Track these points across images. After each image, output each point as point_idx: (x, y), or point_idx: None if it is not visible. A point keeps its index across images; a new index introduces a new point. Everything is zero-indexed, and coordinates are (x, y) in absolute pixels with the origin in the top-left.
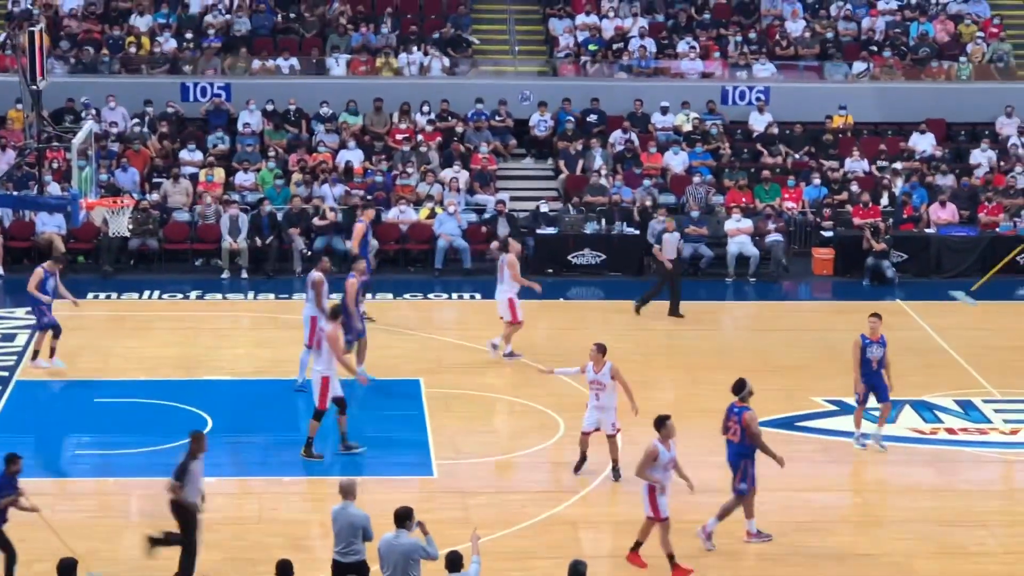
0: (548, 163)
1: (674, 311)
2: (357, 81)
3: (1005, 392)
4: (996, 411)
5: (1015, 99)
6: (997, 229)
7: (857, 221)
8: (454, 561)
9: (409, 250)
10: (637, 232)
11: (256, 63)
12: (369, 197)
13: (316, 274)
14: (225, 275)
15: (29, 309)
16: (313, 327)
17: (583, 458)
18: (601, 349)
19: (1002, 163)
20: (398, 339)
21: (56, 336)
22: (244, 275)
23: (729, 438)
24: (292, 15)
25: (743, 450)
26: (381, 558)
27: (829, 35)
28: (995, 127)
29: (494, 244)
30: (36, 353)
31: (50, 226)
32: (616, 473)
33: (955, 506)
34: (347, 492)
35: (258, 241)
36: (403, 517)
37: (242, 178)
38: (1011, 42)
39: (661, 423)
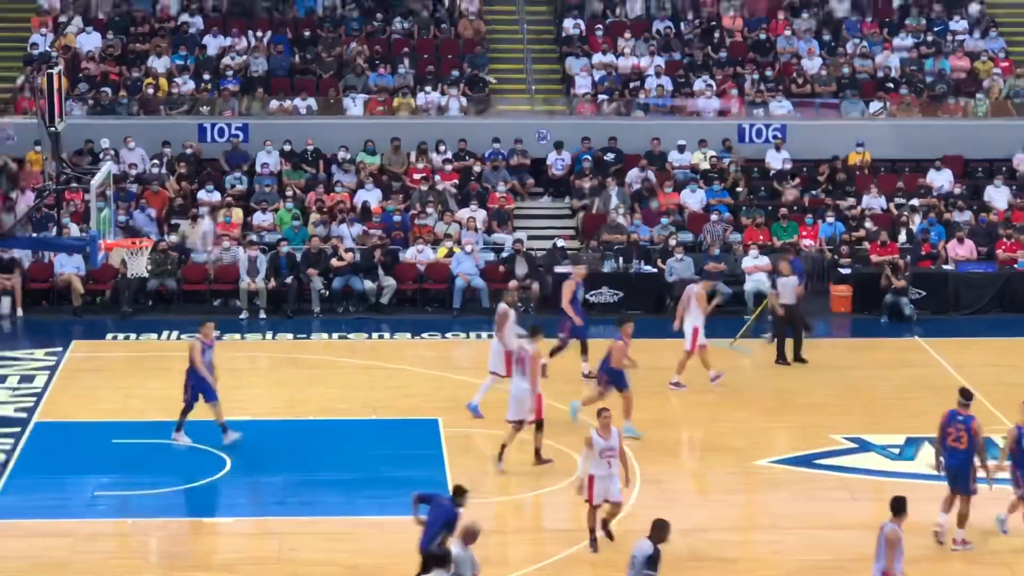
0: (565, 202)
1: (797, 355)
2: (374, 121)
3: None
4: None
5: None
6: (1015, 265)
7: (875, 258)
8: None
9: (427, 290)
10: (655, 270)
11: (273, 103)
12: (384, 235)
13: (501, 306)
14: (243, 315)
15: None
16: (507, 358)
17: (595, 536)
18: (607, 414)
19: (1020, 199)
20: (416, 379)
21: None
22: (262, 315)
23: (952, 444)
24: (309, 55)
25: (970, 456)
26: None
27: (845, 72)
28: (1012, 163)
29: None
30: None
31: (69, 267)
32: (609, 536)
33: (978, 544)
34: (467, 536)
35: (274, 282)
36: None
37: (260, 218)
38: None
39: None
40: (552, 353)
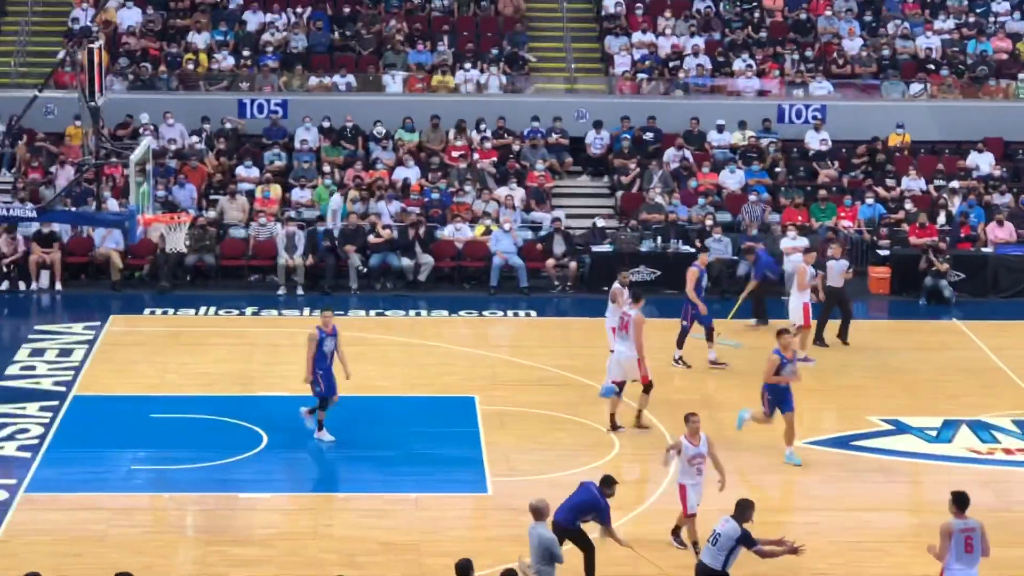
0: (604, 180)
1: (843, 337)
2: (414, 98)
3: None
4: None
5: None
6: None
7: (914, 240)
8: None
9: (465, 267)
10: (692, 250)
11: (313, 80)
12: (422, 213)
13: (616, 285)
14: (281, 292)
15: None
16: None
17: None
18: (696, 420)
19: None
20: (453, 356)
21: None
22: (300, 292)
23: None
24: (349, 32)
25: None
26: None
27: (886, 53)
28: None
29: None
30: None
31: (108, 242)
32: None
33: (1012, 527)
34: (537, 512)
35: (312, 258)
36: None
37: (298, 195)
38: None
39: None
40: (679, 342)
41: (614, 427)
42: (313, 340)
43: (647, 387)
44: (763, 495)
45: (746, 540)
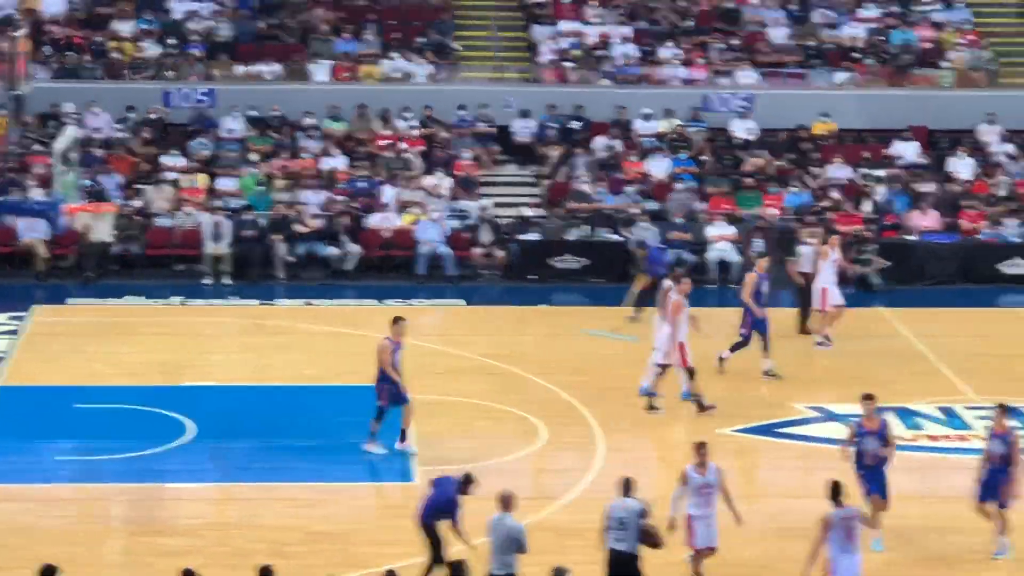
0: (531, 169)
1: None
2: (340, 87)
3: (987, 399)
4: (978, 418)
5: (996, 106)
6: (978, 236)
7: (840, 228)
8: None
9: (392, 256)
10: (620, 238)
11: (239, 69)
12: (355, 205)
13: (666, 283)
14: (208, 281)
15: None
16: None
17: None
18: (705, 450)
19: (983, 170)
20: None
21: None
22: (227, 281)
23: None
24: (275, 21)
25: None
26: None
27: (812, 43)
28: (976, 134)
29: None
30: (404, 433)
31: (32, 232)
32: None
33: (938, 513)
34: (506, 503)
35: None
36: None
37: (225, 184)
38: (992, 49)
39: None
40: (733, 348)
41: (701, 408)
42: (386, 351)
43: (690, 372)
44: None
45: (644, 512)
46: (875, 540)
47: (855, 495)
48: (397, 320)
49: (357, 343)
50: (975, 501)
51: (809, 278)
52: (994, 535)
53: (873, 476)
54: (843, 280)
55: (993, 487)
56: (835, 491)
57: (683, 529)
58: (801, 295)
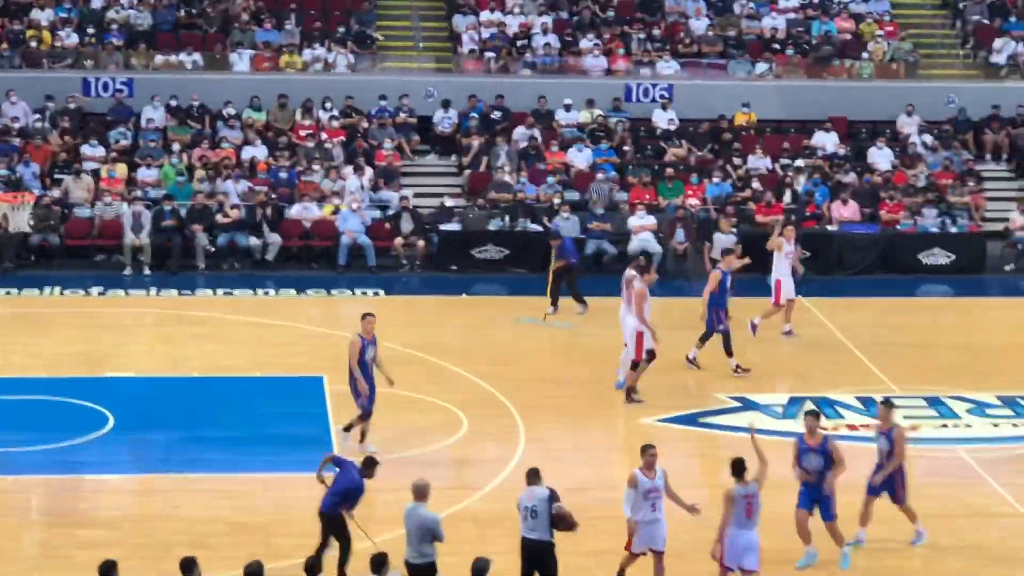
0: (452, 159)
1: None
2: (261, 77)
3: (906, 389)
4: (897, 407)
5: (916, 97)
6: (898, 226)
7: (760, 218)
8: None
9: (313, 247)
10: (541, 229)
11: (159, 58)
12: (274, 195)
13: (629, 272)
14: (127, 271)
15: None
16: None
17: None
18: (653, 451)
19: (902, 161)
20: (302, 336)
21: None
22: (147, 271)
23: None
24: (194, 11)
25: None
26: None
27: (732, 33)
28: (896, 125)
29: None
30: (351, 428)
31: None
32: None
33: (857, 502)
34: (419, 493)
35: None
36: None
37: (145, 174)
38: (912, 41)
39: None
40: (726, 347)
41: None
42: (355, 347)
43: (634, 365)
44: (610, 473)
45: (554, 498)
46: (843, 555)
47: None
48: (365, 316)
49: (277, 333)
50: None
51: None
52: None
53: (813, 494)
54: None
55: (883, 483)
56: (737, 468)
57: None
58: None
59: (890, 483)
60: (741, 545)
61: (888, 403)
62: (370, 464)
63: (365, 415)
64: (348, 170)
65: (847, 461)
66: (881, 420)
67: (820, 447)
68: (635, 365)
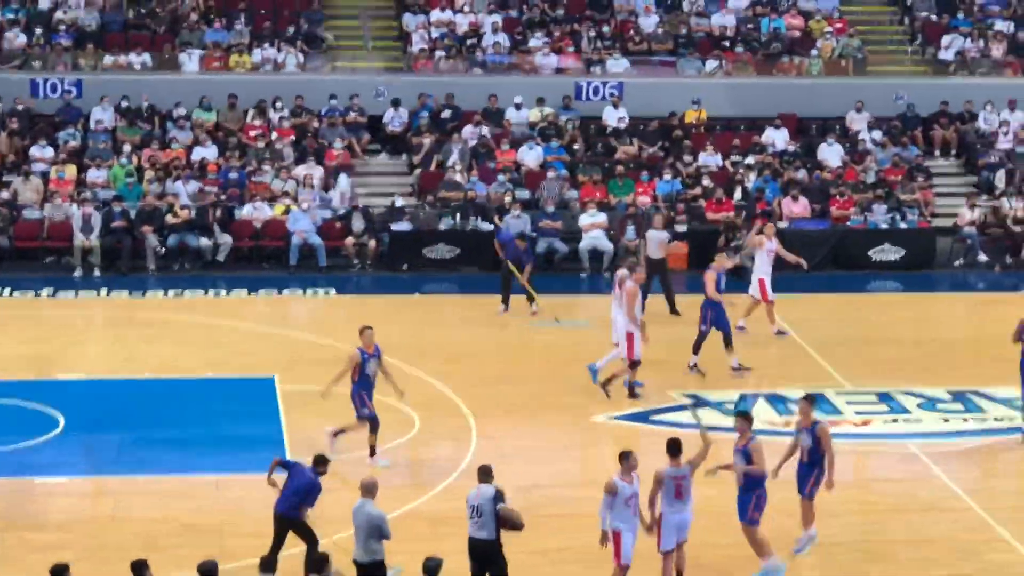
0: (403, 159)
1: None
2: (210, 77)
3: (856, 384)
4: (847, 403)
5: (865, 94)
6: (848, 223)
7: (711, 216)
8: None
9: (263, 247)
10: (492, 227)
11: (108, 59)
12: (223, 196)
13: (621, 271)
14: (77, 273)
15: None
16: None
17: None
18: (634, 459)
19: (852, 157)
20: (253, 336)
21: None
22: (97, 273)
23: None
24: (143, 11)
25: None
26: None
27: (682, 31)
28: (845, 122)
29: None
30: (373, 450)
31: None
32: None
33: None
34: (367, 490)
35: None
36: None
37: (94, 175)
38: (860, 38)
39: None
40: (696, 347)
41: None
42: (353, 361)
43: (633, 364)
44: (563, 470)
45: (500, 497)
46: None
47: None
48: (364, 329)
49: (229, 334)
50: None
51: (655, 264)
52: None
53: (740, 497)
54: (784, 267)
55: (804, 480)
56: (672, 448)
57: (612, 544)
58: (652, 278)
59: (805, 477)
60: (674, 523)
61: (809, 398)
62: (322, 462)
63: (373, 427)
64: (299, 170)
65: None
66: (802, 416)
67: (743, 449)
68: (633, 364)
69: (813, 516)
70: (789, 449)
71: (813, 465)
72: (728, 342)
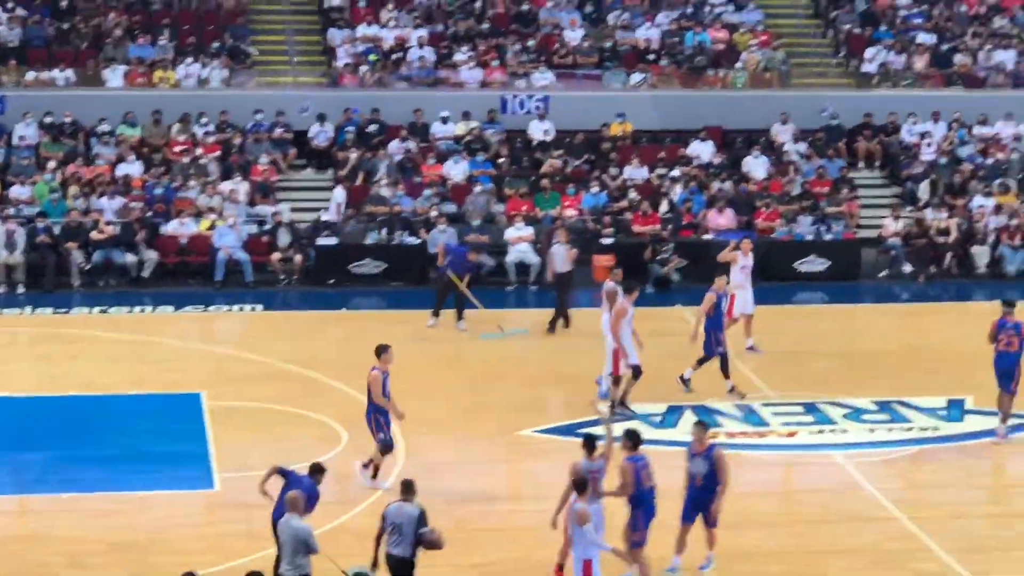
0: (329, 173)
1: (553, 323)
2: (135, 93)
3: (782, 395)
4: (774, 414)
5: (789, 106)
6: (774, 234)
7: (637, 228)
8: None
9: (189, 263)
10: (418, 241)
11: (31, 75)
12: (149, 212)
13: (608, 284)
14: (1, 290)
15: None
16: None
17: None
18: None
19: (777, 169)
20: (180, 352)
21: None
22: (21, 290)
23: (1001, 349)
24: (66, 26)
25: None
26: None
27: (607, 44)
28: (771, 134)
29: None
30: (376, 470)
31: None
32: None
33: (735, 508)
34: (292, 505)
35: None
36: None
37: (18, 191)
38: (785, 50)
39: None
40: (724, 373)
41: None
42: (377, 382)
43: (616, 380)
44: (490, 484)
45: (423, 520)
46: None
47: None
48: (385, 349)
49: (154, 351)
50: (681, 523)
51: (562, 278)
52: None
53: (697, 502)
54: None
55: (698, 507)
56: (586, 444)
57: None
58: (559, 294)
59: (697, 503)
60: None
61: (703, 424)
62: (319, 470)
63: (385, 449)
64: (224, 185)
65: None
66: (695, 442)
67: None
68: (616, 380)
69: (714, 539)
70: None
71: (708, 491)
72: (700, 363)
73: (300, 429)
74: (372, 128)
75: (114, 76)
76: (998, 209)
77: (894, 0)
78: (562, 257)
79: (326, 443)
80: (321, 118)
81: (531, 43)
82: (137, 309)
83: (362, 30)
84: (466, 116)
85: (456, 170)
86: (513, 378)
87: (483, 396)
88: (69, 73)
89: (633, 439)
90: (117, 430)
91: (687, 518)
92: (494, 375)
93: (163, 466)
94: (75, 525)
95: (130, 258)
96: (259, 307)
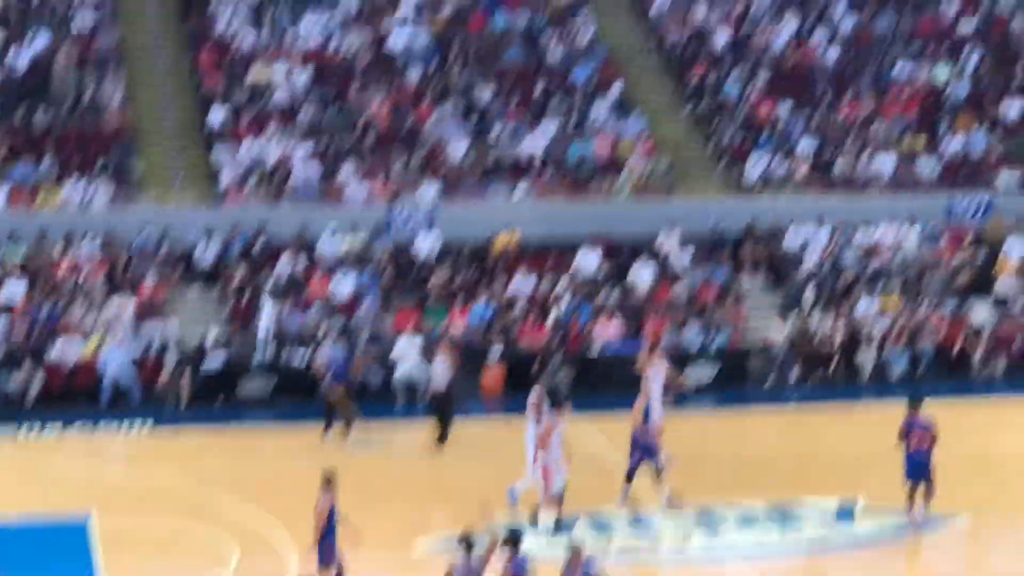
0: (215, 291)
1: (442, 439)
2: (18, 214)
3: (677, 503)
4: (666, 521)
5: (674, 215)
6: (661, 343)
7: (525, 341)
8: None
9: (77, 383)
10: (307, 357)
11: None
12: (35, 333)
13: (534, 396)
14: None
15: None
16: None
17: None
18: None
19: (663, 278)
20: (67, 473)
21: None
22: None
23: (914, 448)
24: None
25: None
26: None
27: (491, 157)
28: (656, 243)
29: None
30: None
31: None
32: None
33: None
34: None
35: None
36: None
37: None
38: (668, 159)
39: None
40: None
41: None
42: (325, 511)
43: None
44: None
45: None
46: None
47: None
48: (331, 479)
49: (41, 472)
50: None
51: (443, 396)
52: None
53: None
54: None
55: None
56: (464, 542)
57: None
58: (438, 407)
59: None
60: None
61: (576, 550)
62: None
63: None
64: (111, 305)
65: None
66: (569, 568)
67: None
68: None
69: None
70: None
71: None
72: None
73: (190, 548)
74: (259, 245)
75: None
76: (882, 312)
77: (774, 110)
78: (440, 374)
79: (217, 562)
80: (207, 236)
81: (416, 157)
82: (24, 429)
83: (247, 146)
84: (353, 230)
85: (343, 285)
86: (399, 493)
87: (376, 513)
88: None
89: (515, 540)
90: (1, 558)
91: None
92: (381, 490)
93: None
94: None
95: (15, 380)
96: (148, 425)
